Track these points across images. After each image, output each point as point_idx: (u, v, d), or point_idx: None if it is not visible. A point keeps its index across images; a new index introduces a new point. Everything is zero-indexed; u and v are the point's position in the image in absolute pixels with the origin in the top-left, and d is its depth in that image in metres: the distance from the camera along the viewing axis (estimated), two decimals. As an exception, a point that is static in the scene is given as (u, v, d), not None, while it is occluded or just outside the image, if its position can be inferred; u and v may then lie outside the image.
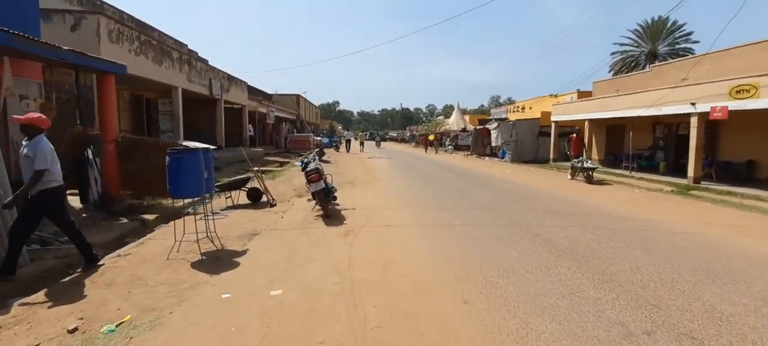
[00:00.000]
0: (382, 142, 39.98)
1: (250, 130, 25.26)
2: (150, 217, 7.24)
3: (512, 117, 31.65)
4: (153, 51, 12.55)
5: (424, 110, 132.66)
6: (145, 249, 5.19)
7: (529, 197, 8.51)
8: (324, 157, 19.40)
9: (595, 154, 20.01)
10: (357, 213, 6.80)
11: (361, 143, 36.16)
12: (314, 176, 6.10)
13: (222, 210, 7.63)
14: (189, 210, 8.08)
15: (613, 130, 21.06)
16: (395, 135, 79.83)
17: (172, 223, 6.45)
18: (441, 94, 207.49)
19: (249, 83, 30.11)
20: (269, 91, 36.36)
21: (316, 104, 71.06)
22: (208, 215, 5.51)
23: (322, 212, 6.49)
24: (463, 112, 49.42)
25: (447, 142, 34.65)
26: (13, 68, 7.20)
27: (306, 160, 7.12)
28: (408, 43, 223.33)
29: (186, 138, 18.24)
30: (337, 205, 7.51)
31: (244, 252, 4.84)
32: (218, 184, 7.87)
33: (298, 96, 44.80)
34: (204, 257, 4.63)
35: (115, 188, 7.81)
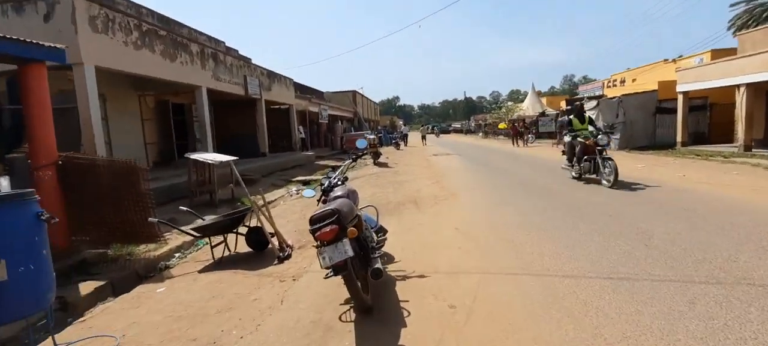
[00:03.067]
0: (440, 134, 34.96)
1: (300, 132, 22.88)
2: (91, 286, 4.38)
3: (610, 93, 25.78)
4: (162, 43, 10.11)
5: (487, 98, 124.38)
6: None
7: None
8: (380, 159, 16.08)
9: (742, 133, 14.09)
10: (427, 296, 3.22)
11: (423, 137, 33.62)
12: (326, 231, 2.66)
13: (199, 271, 4.55)
14: (169, 263, 5.19)
15: (783, 99, 15.04)
16: (459, 126, 74.73)
17: (102, 310, 3.46)
18: (505, 81, 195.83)
19: (300, 83, 27.96)
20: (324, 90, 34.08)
21: (376, 101, 68.50)
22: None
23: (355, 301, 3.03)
24: (538, 94, 43.35)
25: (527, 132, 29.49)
26: None
27: (328, 181, 3.73)
28: (468, 31, 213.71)
29: (220, 146, 16.06)
30: (387, 260, 4.05)
31: None
32: (197, 226, 4.80)
33: (354, 92, 42.30)
34: None
35: (60, 234, 5.11)
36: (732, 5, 30.42)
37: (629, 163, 12.14)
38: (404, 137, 32.52)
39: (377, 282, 3.11)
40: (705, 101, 18.71)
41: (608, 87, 28.54)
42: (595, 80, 37.16)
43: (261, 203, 5.06)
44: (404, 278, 3.61)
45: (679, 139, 17.13)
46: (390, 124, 60.50)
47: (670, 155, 14.60)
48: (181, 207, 5.32)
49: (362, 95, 46.19)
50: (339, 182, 3.82)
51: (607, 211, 5.63)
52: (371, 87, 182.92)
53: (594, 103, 20.52)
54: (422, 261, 3.99)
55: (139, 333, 3.12)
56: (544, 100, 40.46)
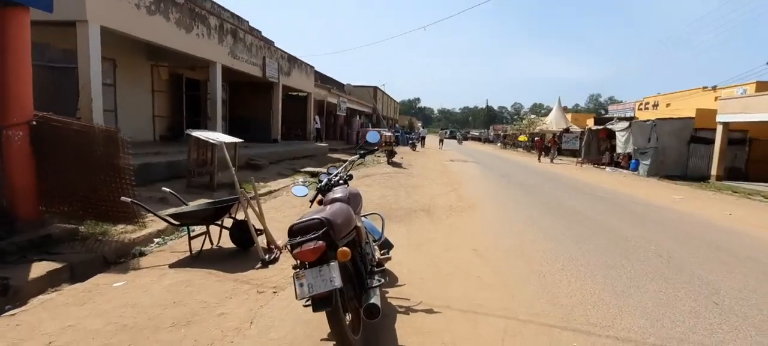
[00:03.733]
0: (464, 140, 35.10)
1: (316, 123, 22.31)
2: (44, 269, 3.76)
3: (641, 116, 24.49)
4: (178, 12, 9.57)
5: (508, 109, 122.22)
6: None
7: None
8: (394, 158, 15.35)
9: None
10: (436, 344, 2.50)
11: (441, 141, 33.23)
12: (309, 249, 1.91)
13: (171, 265, 3.91)
14: (145, 249, 4.59)
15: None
16: (477, 134, 73.37)
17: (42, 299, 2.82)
18: (529, 93, 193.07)
19: (321, 72, 27.46)
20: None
21: (397, 100, 67.63)
22: None
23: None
24: (564, 109, 41.92)
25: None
26: None
27: (327, 179, 3.03)
28: (495, 40, 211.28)
29: (232, 127, 15.55)
30: (389, 281, 3.34)
31: None
32: (175, 213, 4.15)
33: (375, 88, 41.67)
34: None
35: (27, 203, 4.56)
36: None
37: (663, 193, 11.12)
38: (422, 139, 32.56)
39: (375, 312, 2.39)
40: (744, 135, 17.47)
41: (639, 109, 27.21)
42: (622, 102, 35.74)
43: (251, 194, 4.38)
44: (407, 310, 2.88)
45: (714, 172, 15.94)
46: (408, 124, 59.59)
47: (705, 188, 13.51)
48: (163, 188, 4.69)
49: (383, 92, 45.50)
50: (340, 181, 3.12)
51: (657, 251, 4.78)
52: (393, 86, 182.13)
53: (625, 124, 19.41)
54: (432, 290, 3.26)
55: (67, 343, 2.47)
56: (568, 116, 39.08)
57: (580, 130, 31.14)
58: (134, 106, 11.36)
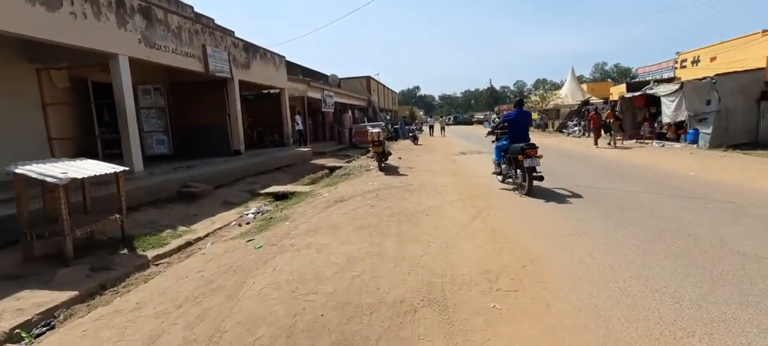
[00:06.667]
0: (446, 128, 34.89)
1: (297, 123, 18.88)
2: None
3: (682, 76, 20.64)
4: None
5: (511, 88, 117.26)
6: None
7: None
8: (388, 161, 11.79)
9: None
10: None
11: (442, 129, 31.36)
12: None
13: None
14: None
15: None
16: (482, 117, 69.42)
17: None
18: (529, 70, 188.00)
19: (302, 65, 23.94)
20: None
21: (396, 90, 63.72)
22: None
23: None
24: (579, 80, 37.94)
25: (572, 123, 24.62)
26: None
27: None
28: (488, 18, 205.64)
29: (181, 141, 12.11)
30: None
31: None
32: None
33: (368, 78, 38.07)
34: None
35: None
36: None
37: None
38: (430, 128, 33.57)
39: None
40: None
41: (680, 69, 23.32)
42: (630, 67, 31.84)
43: None
44: None
45: (807, 135, 12.25)
46: (409, 114, 55.79)
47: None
48: None
49: (378, 82, 41.83)
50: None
51: None
52: (390, 76, 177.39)
53: (674, 86, 15.61)
54: None
55: None
56: (583, 86, 35.17)
57: (601, 100, 27.35)
58: (14, 128, 8.01)
